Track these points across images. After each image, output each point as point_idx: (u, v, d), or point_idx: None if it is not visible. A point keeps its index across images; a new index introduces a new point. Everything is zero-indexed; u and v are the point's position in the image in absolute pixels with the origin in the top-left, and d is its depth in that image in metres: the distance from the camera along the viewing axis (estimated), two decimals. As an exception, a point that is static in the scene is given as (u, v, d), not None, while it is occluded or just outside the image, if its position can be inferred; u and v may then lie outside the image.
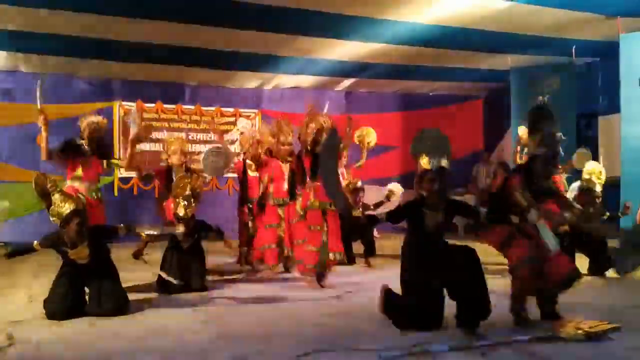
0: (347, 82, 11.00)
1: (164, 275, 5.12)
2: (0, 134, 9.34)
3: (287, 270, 6.25)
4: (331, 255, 5.44)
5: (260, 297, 4.87)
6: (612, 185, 7.66)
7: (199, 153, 10.21)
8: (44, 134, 5.27)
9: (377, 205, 7.26)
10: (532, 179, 3.89)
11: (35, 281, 5.60)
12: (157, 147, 10.16)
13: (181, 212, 5.13)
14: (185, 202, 5.14)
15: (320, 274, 5.49)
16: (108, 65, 9.29)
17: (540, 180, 3.94)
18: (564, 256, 3.88)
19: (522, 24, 7.75)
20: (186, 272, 5.12)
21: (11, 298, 4.93)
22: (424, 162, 3.96)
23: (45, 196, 4.36)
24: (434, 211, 3.75)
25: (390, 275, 4.35)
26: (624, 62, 7.47)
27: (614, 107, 7.97)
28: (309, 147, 5.54)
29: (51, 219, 4.23)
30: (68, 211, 4.11)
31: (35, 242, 4.33)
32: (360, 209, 6.88)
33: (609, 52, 8.05)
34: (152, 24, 7.48)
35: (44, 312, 4.07)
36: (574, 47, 8.61)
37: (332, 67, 9.81)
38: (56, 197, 4.21)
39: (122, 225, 4.60)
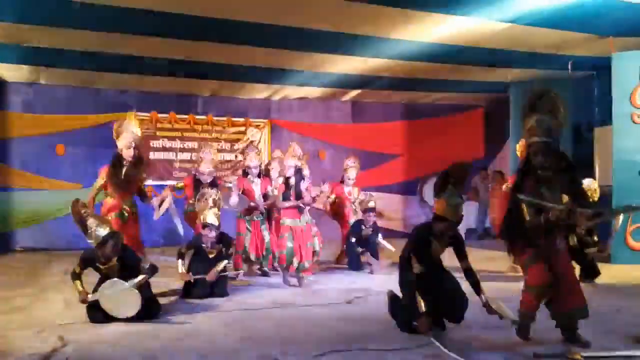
0: (352, 93, 11.42)
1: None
2: (21, 143, 9.76)
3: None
4: (295, 262, 6.29)
5: (277, 302, 5.30)
6: (605, 194, 8.09)
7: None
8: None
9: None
10: (533, 174, 3.75)
11: (66, 286, 5.99)
12: (170, 155, 10.65)
13: (211, 219, 5.63)
14: (214, 211, 5.69)
15: (284, 276, 6.33)
16: (124, 77, 9.73)
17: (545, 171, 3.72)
18: (578, 288, 3.83)
19: (520, 42, 8.16)
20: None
21: (48, 303, 5.35)
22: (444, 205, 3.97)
23: (81, 222, 4.71)
24: (441, 246, 4.16)
25: (396, 281, 4.76)
26: (615, 80, 7.88)
27: (609, 118, 8.32)
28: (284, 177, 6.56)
29: (89, 241, 4.63)
30: (104, 234, 4.53)
31: (77, 268, 4.66)
32: (371, 228, 7.43)
33: (604, 66, 8.35)
34: (167, 41, 7.89)
35: (86, 315, 4.49)
36: (570, 62, 9.04)
37: (338, 79, 10.23)
38: (91, 222, 4.61)
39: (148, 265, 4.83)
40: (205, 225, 5.67)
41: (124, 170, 6.17)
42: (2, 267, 7.82)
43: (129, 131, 6.23)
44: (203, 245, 5.69)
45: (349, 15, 7.18)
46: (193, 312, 4.90)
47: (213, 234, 5.64)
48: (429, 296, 4.08)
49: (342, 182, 8.18)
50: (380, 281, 6.29)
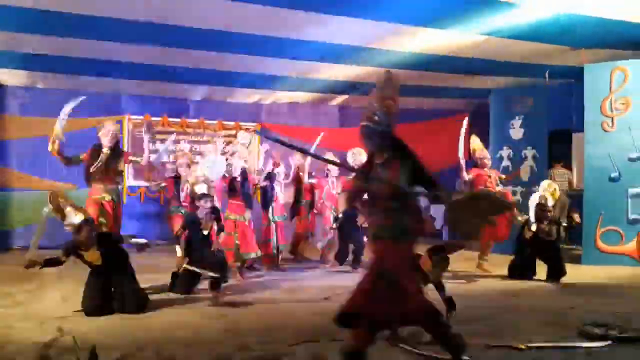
0: (340, 98, 11.81)
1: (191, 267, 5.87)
2: (19, 145, 10.06)
3: None
4: (244, 255, 7.00)
5: (258, 299, 5.68)
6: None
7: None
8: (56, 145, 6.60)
9: None
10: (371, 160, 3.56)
11: (61, 283, 6.37)
12: (163, 157, 10.92)
13: (205, 190, 6.17)
14: (200, 185, 6.26)
15: (238, 268, 6.89)
16: (118, 82, 10.06)
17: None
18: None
19: (498, 52, 8.53)
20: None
21: (46, 298, 5.71)
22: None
23: (59, 210, 5.11)
24: None
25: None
26: (587, 90, 8.30)
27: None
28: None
29: (65, 228, 5.03)
30: (79, 221, 4.91)
31: (60, 254, 5.00)
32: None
33: (581, 74, 8.65)
34: (160, 49, 8.24)
35: (82, 309, 4.86)
36: (547, 71, 9.41)
37: (325, 85, 10.61)
38: (69, 210, 5.01)
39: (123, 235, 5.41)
40: (200, 197, 6.10)
41: (103, 157, 6.52)
42: (1, 264, 8.15)
43: (107, 125, 6.77)
44: (200, 217, 6.06)
45: (337, 28, 7.52)
46: (178, 306, 5.29)
47: (209, 204, 6.09)
48: None
49: (326, 176, 8.56)
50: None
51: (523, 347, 3.70)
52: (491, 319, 4.63)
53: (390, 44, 8.21)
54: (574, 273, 7.06)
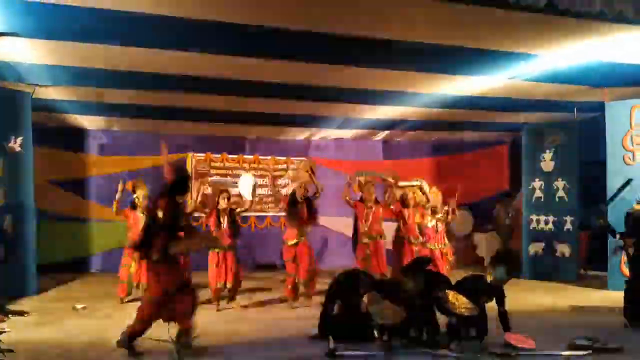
0: (383, 133, 12.73)
1: None
2: (97, 181, 11.40)
3: None
4: None
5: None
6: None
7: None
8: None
9: None
10: None
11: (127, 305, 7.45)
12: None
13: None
14: None
15: None
16: (183, 124, 11.29)
17: None
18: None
19: (525, 92, 9.20)
20: None
21: (126, 311, 6.79)
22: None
23: None
24: None
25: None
26: (609, 127, 8.91)
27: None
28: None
29: None
30: None
31: None
32: None
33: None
34: (221, 97, 9.39)
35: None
36: (575, 107, 9.99)
37: (369, 123, 11.56)
38: None
39: None
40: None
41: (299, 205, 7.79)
42: (84, 284, 9.41)
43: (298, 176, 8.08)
44: None
45: (378, 77, 8.39)
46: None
47: None
48: None
49: (361, 200, 9.07)
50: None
51: (512, 354, 4.47)
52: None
53: (426, 88, 9.09)
54: (598, 297, 7.64)
